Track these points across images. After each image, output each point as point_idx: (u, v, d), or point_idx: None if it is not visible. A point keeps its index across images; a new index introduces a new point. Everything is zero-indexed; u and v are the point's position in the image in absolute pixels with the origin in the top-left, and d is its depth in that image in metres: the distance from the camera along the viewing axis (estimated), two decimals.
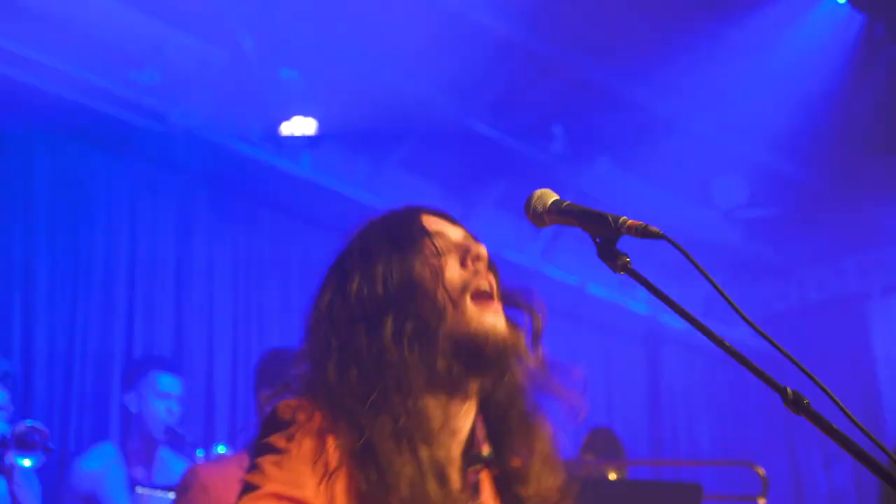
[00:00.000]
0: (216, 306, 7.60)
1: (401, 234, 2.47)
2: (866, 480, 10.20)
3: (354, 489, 2.19)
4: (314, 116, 7.56)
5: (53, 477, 6.32)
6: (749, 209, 9.56)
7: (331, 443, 2.21)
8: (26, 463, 5.42)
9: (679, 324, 10.34)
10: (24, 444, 5.41)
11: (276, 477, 2.15)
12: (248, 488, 2.16)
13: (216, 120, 7.38)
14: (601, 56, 7.88)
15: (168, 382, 6.36)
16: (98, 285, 7.12)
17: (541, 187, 2.56)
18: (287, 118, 7.55)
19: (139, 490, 5.87)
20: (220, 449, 6.00)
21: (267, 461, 2.18)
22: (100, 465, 6.20)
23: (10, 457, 5.40)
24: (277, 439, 2.21)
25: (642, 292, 9.98)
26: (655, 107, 8.35)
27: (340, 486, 2.19)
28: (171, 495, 5.74)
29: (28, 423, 5.50)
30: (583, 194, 8.40)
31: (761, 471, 5.12)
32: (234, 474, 4.23)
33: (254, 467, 2.20)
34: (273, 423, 2.25)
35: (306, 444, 2.20)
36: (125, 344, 7.14)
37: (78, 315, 6.98)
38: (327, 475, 2.17)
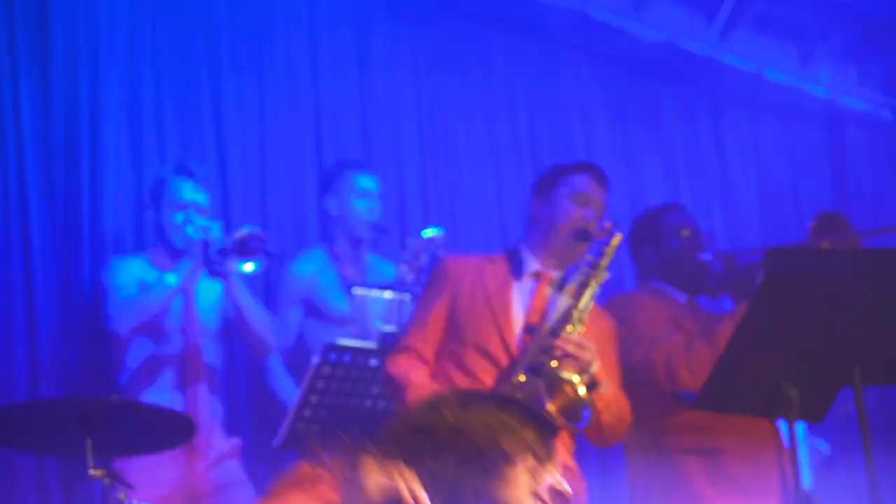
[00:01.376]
0: (400, 102, 7.43)
1: None
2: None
3: None
4: None
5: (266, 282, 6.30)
6: None
7: None
8: (248, 267, 5.41)
9: (863, 105, 9.93)
10: (244, 250, 5.39)
11: None
12: None
13: None
14: None
15: (366, 181, 6.27)
16: (282, 85, 6.97)
17: None
18: None
19: (356, 291, 5.84)
20: (430, 232, 5.86)
21: None
22: (312, 267, 6.17)
23: (233, 263, 5.38)
24: None
25: (823, 73, 9.59)
26: None
27: None
28: (388, 294, 5.71)
29: (246, 228, 5.47)
30: None
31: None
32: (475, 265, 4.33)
33: None
34: None
35: None
36: (314, 145, 7.02)
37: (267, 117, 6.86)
38: None
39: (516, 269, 4.72)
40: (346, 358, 5.16)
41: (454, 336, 4.59)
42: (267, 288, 6.28)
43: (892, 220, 9.50)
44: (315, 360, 5.15)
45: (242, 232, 5.46)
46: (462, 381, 4.44)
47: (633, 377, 4.83)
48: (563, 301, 4.56)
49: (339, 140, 7.06)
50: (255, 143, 6.78)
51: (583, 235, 4.62)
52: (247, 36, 6.86)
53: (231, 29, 6.79)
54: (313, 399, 5.15)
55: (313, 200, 6.68)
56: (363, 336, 5.58)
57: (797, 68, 9.43)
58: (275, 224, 6.59)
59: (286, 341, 6.03)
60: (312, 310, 6.11)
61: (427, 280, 5.00)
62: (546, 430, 2.55)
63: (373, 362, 5.19)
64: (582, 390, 4.23)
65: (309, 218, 6.78)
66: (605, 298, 5.07)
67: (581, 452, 4.88)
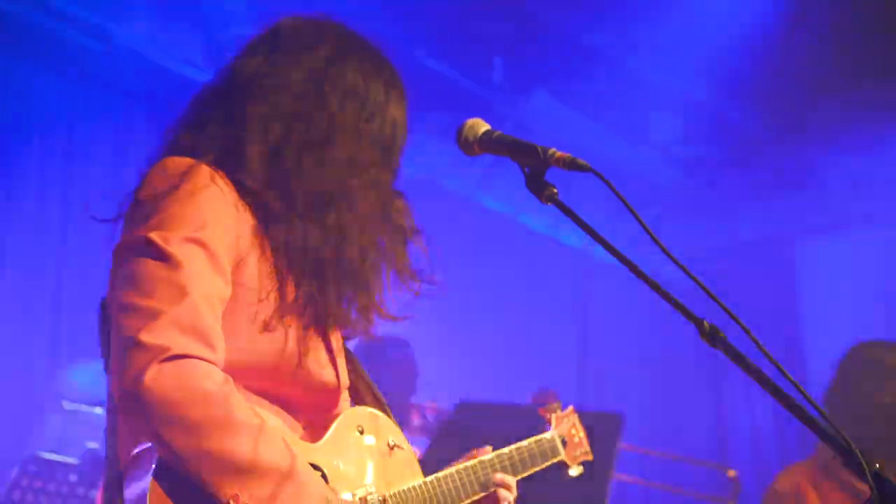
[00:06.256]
0: None
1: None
2: (787, 416, 10.37)
3: None
4: None
5: None
6: (685, 146, 9.61)
7: None
8: None
9: (611, 257, 10.43)
10: None
11: None
12: None
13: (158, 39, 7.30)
14: None
15: None
16: (31, 201, 7.05)
17: (475, 117, 2.60)
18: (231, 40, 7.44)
19: (65, 405, 5.88)
20: None
21: None
22: None
23: None
24: None
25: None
26: (595, 41, 8.35)
27: None
28: (98, 410, 5.75)
29: None
30: (521, 126, 8.39)
31: (732, 473, 5.12)
32: None
33: None
34: None
35: None
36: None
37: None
38: None
39: None
40: (45, 471, 5.18)
41: None
42: None
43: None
44: (14, 471, 5.16)
45: None
46: None
47: None
48: None
49: None
50: None
51: None
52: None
53: None
54: None
55: None
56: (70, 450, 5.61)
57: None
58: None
59: None
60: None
61: None
62: None
63: (72, 478, 5.22)
64: None
65: None
66: None
67: None
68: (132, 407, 2.12)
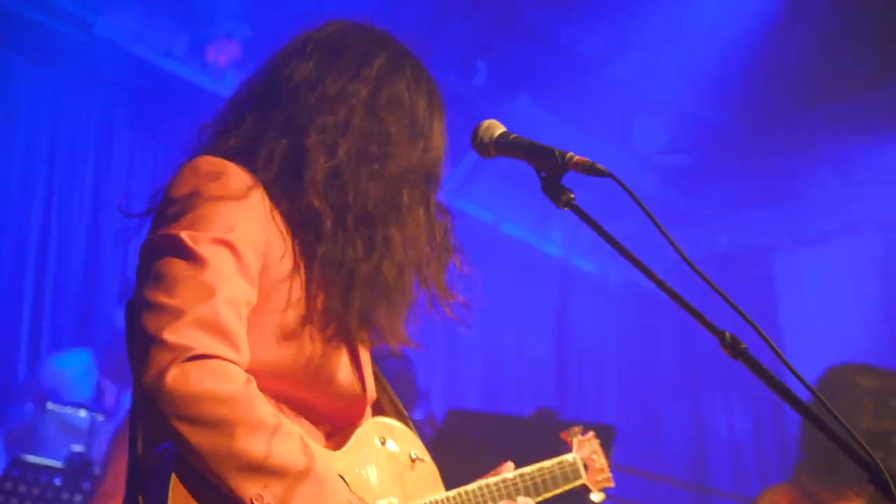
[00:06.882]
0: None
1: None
2: (765, 428, 10.42)
3: None
4: (239, 38, 7.44)
5: None
6: (666, 155, 9.62)
7: None
8: None
9: (591, 267, 10.44)
10: None
11: None
12: None
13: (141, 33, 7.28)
14: None
15: None
16: (14, 197, 7.01)
17: (490, 119, 2.57)
18: (214, 36, 7.41)
19: (50, 406, 5.84)
20: None
21: None
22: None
23: None
24: None
25: (557, 233, 10.07)
26: (579, 47, 8.35)
27: None
28: (82, 413, 5.74)
29: None
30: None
31: None
32: None
33: None
34: None
35: None
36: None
37: None
38: None
39: None
40: (30, 475, 5.12)
41: None
42: None
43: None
44: None
45: None
46: None
47: None
48: None
49: None
50: None
51: None
52: None
53: None
54: None
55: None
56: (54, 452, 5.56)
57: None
58: None
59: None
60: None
61: None
62: None
63: (57, 481, 5.16)
64: None
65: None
66: None
67: None
68: (154, 405, 2.10)
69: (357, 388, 2.58)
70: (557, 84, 8.71)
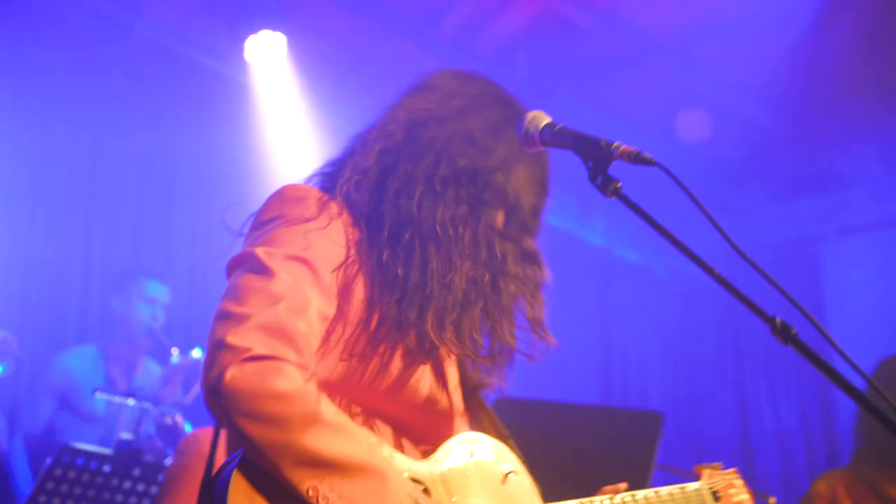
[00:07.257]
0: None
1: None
2: (812, 418, 10.36)
3: None
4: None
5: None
6: (709, 147, 9.59)
7: None
8: None
9: (634, 256, 10.42)
10: None
11: None
12: None
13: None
14: None
15: (155, 289, 6.46)
16: (60, 195, 7.08)
17: (536, 110, 2.58)
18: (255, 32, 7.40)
19: (98, 395, 5.91)
20: (197, 352, 6.07)
21: None
22: (77, 363, 6.29)
23: None
24: None
25: (599, 223, 10.05)
26: (619, 42, 8.33)
27: None
28: (130, 402, 5.80)
29: None
30: None
31: (773, 501, 5.10)
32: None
33: None
34: None
35: None
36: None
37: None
38: None
39: None
40: (79, 461, 5.18)
41: None
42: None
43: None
44: (48, 460, 5.17)
45: None
46: None
47: None
48: None
49: None
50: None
51: None
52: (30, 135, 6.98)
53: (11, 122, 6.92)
54: (41, 499, 5.15)
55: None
56: (107, 439, 5.64)
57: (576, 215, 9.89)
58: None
59: (34, 428, 6.11)
60: (66, 403, 6.20)
61: None
62: None
63: (106, 468, 5.22)
64: None
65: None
66: None
67: None
68: (214, 403, 2.18)
69: (444, 401, 2.64)
70: (599, 78, 8.69)
